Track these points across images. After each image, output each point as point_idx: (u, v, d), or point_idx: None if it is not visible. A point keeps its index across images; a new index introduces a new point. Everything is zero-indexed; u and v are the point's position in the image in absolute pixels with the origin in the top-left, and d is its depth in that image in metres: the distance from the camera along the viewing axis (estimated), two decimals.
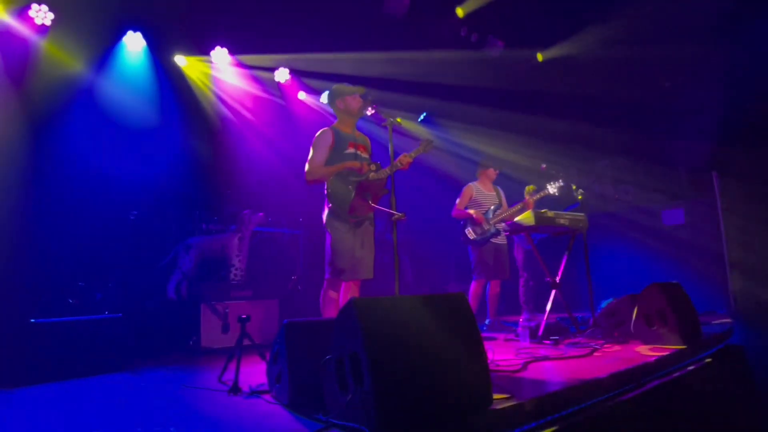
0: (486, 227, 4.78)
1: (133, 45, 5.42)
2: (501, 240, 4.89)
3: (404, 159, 3.23)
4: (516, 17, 6.11)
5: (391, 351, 1.75)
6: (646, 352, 3.20)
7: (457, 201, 4.93)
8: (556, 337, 3.81)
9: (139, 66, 5.46)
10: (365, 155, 3.41)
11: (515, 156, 7.32)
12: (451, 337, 1.92)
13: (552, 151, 7.60)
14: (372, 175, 3.21)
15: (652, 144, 7.31)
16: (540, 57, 6.79)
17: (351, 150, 3.36)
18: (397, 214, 2.90)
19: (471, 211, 4.80)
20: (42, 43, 4.85)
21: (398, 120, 3.31)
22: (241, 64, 6.09)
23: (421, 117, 8.05)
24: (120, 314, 3.64)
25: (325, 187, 3.29)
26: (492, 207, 4.92)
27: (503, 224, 4.42)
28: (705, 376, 3.08)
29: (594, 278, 6.29)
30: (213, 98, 5.99)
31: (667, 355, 3.02)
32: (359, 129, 3.60)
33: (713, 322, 4.70)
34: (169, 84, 5.62)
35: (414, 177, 7.58)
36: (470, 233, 4.80)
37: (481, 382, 1.92)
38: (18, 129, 4.60)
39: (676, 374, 2.92)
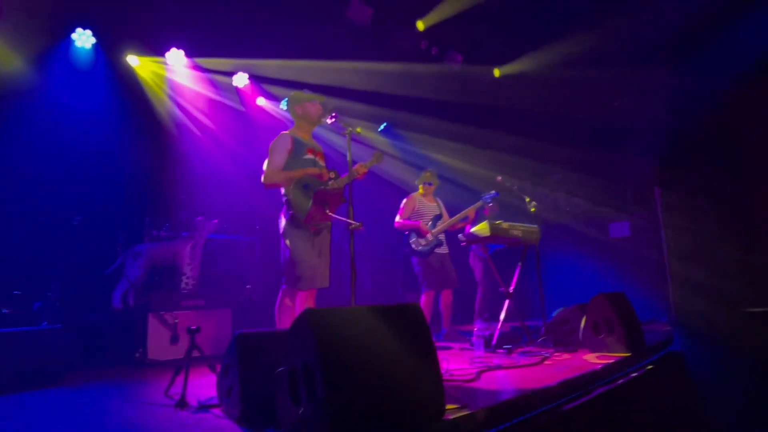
0: (431, 238, 4.82)
1: (82, 42, 5.19)
2: (444, 250, 4.95)
3: (360, 169, 3.23)
4: (475, 33, 6.28)
5: (345, 362, 1.73)
6: (594, 359, 3.32)
7: (400, 212, 4.96)
8: (509, 346, 3.89)
9: (88, 64, 5.23)
10: (322, 163, 3.39)
11: (473, 167, 7.48)
12: (405, 348, 1.92)
13: (508, 163, 7.83)
14: (331, 183, 3.18)
15: (602, 160, 7.65)
16: (497, 72, 6.99)
17: (310, 156, 3.33)
18: (354, 224, 2.89)
19: (419, 223, 4.84)
20: None
21: (358, 130, 3.31)
22: (197, 67, 5.94)
23: (381, 127, 8.11)
24: (60, 325, 3.43)
25: (283, 194, 3.23)
26: (434, 218, 4.98)
27: (460, 235, 4.49)
28: (647, 382, 3.23)
29: (546, 288, 6.48)
30: (167, 101, 5.80)
31: (612, 363, 3.14)
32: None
33: (656, 330, 4.94)
34: (120, 84, 5.40)
35: (375, 186, 7.64)
36: (415, 244, 4.84)
37: (434, 393, 1.93)
38: None
39: (621, 381, 3.05)
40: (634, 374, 3.18)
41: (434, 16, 5.69)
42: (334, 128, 3.35)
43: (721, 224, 6.06)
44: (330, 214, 3.09)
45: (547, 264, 7.12)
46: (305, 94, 3.46)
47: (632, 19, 5.88)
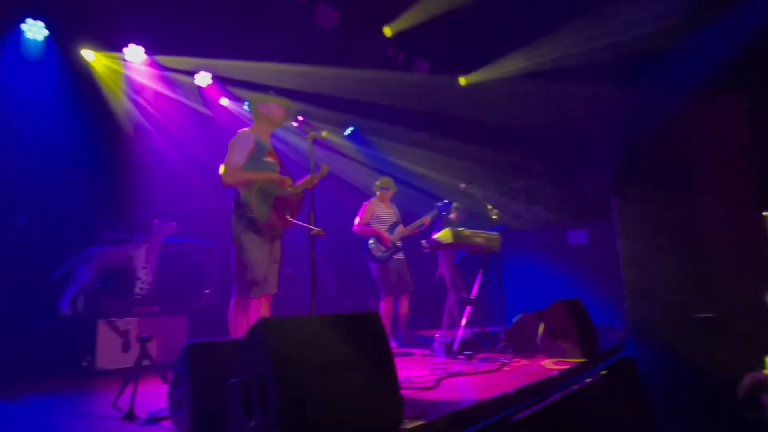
0: (390, 245, 4.87)
1: (33, 34, 4.93)
2: (401, 256, 5.01)
3: (314, 180, 3.19)
4: (442, 41, 6.34)
5: (299, 373, 1.69)
6: (550, 365, 3.38)
7: (359, 217, 4.96)
8: (470, 352, 3.92)
9: (39, 57, 4.97)
10: (279, 167, 3.33)
11: (438, 174, 7.55)
12: (362, 357, 1.90)
13: (472, 171, 7.94)
14: (291, 189, 3.12)
15: (562, 169, 7.88)
16: (463, 81, 7.08)
17: (270, 160, 3.26)
18: (315, 230, 2.85)
19: (381, 231, 4.86)
20: None
21: (324, 134, 3.26)
22: (157, 65, 5.74)
23: (348, 131, 8.08)
24: (2, 333, 3.23)
25: (240, 197, 3.12)
26: (392, 224, 5.02)
27: (423, 241, 4.51)
28: (601, 387, 3.31)
29: (507, 294, 6.60)
30: (124, 98, 5.58)
31: (568, 369, 3.21)
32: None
33: (610, 335, 5.09)
34: (74, 79, 5.15)
35: (340, 190, 7.60)
36: (375, 250, 4.87)
37: (391, 403, 1.91)
38: None
39: (576, 386, 3.11)
40: (589, 379, 3.26)
41: (402, 23, 5.71)
42: (299, 131, 3.29)
43: (671, 234, 6.32)
44: (291, 219, 3.03)
45: (509, 270, 7.26)
46: (271, 95, 3.40)
47: (592, 34, 6.09)
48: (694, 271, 6.00)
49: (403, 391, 2.67)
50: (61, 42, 5.10)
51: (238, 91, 6.33)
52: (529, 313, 4.37)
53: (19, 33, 4.88)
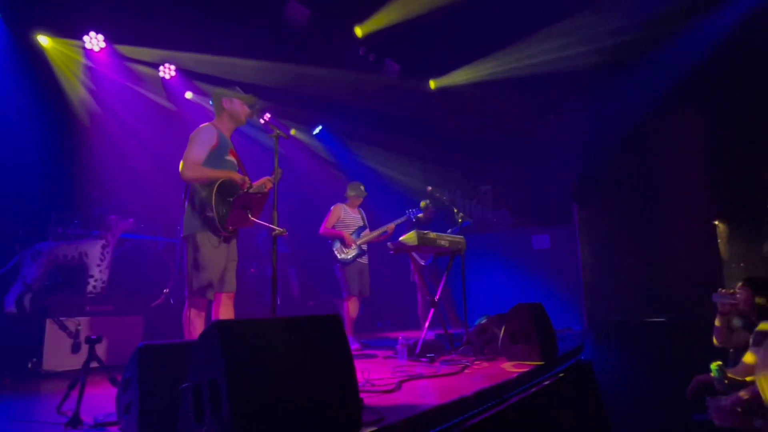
0: (354, 248, 4.93)
1: None
2: (365, 260, 5.09)
3: (268, 183, 3.13)
4: (412, 43, 6.36)
5: (255, 378, 1.63)
6: (510, 368, 3.42)
7: (325, 220, 5.04)
8: (432, 355, 3.93)
9: None
10: (240, 166, 3.24)
11: (404, 177, 7.56)
12: (320, 362, 1.86)
13: (440, 174, 8.01)
14: (253, 188, 3.05)
15: (527, 175, 8.03)
16: (432, 84, 7.13)
17: (231, 158, 3.17)
18: (278, 230, 2.79)
19: (345, 233, 4.93)
20: None
21: (292, 132, 3.20)
22: (119, 55, 5.53)
23: (317, 130, 8.01)
24: None
25: (196, 194, 3.01)
26: (357, 228, 5.09)
27: (389, 243, 4.50)
28: (558, 389, 3.37)
29: (471, 297, 6.65)
30: (80, 88, 5.34)
31: (526, 371, 3.25)
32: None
33: (568, 338, 5.21)
34: (26, 65, 4.90)
35: (303, 189, 7.51)
36: (339, 252, 4.92)
37: (349, 407, 1.87)
38: None
39: (534, 389, 3.16)
40: (547, 382, 3.31)
41: (373, 24, 5.70)
42: (264, 129, 3.22)
43: (629, 240, 6.54)
44: (253, 219, 2.95)
45: (474, 273, 7.34)
46: (236, 91, 3.30)
47: (558, 44, 6.23)
48: (649, 277, 6.22)
49: (363, 395, 2.65)
50: (13, 25, 4.84)
51: (204, 86, 6.16)
52: (492, 315, 4.42)
53: None
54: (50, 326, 3.64)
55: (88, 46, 5.29)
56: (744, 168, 6.06)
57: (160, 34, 5.38)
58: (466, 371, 3.42)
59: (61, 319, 3.70)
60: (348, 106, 6.97)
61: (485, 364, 3.67)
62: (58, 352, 3.62)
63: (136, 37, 5.46)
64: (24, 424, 2.36)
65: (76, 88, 5.33)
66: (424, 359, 3.89)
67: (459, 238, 4.50)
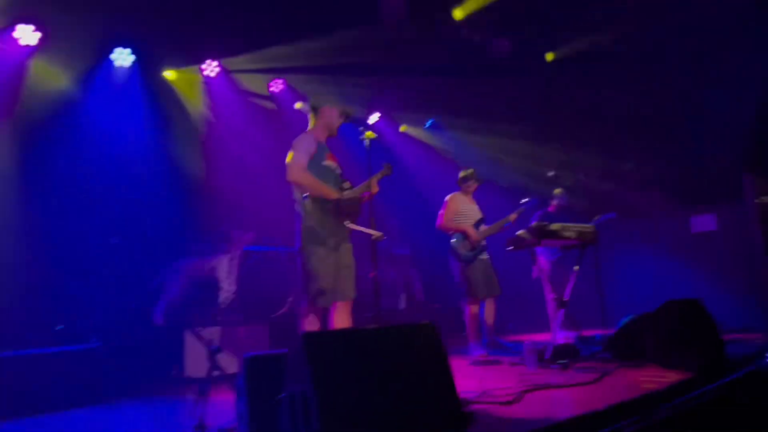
0: (475, 243, 4.65)
1: (122, 61, 5.52)
2: (486, 256, 4.74)
3: (374, 186, 3.17)
4: (522, 14, 6.04)
5: (344, 391, 1.69)
6: (659, 377, 3.05)
7: (442, 212, 4.77)
8: (565, 361, 3.68)
9: (127, 82, 5.57)
10: (339, 170, 3.38)
11: (526, 163, 7.20)
12: (416, 372, 1.85)
13: (571, 156, 7.46)
14: (347, 194, 3.16)
15: (679, 145, 7.10)
16: (550, 56, 6.68)
17: (329, 163, 3.33)
18: (376, 234, 2.85)
19: (468, 228, 4.67)
20: (28, 63, 4.99)
21: (403, 128, 3.28)
22: (232, 77, 6.16)
23: (428, 123, 8.02)
24: (99, 344, 3.66)
25: (300, 205, 3.22)
26: (477, 221, 4.80)
27: (507, 240, 4.32)
28: (725, 404, 2.91)
29: (616, 293, 6.09)
30: (203, 110, 6.07)
31: (680, 382, 2.87)
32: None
33: (746, 341, 4.48)
34: (158, 100, 5.71)
35: (419, 186, 7.57)
36: (460, 248, 4.67)
37: (448, 421, 1.84)
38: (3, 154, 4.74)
39: (691, 404, 2.77)
40: (708, 396, 2.88)
41: (472, 3, 5.53)
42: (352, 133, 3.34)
43: None
44: (350, 225, 3.06)
45: (614, 267, 6.72)
46: (331, 101, 3.48)
47: None
48: None
49: (477, 407, 2.60)
50: (145, 66, 5.66)
51: (307, 88, 6.56)
52: (639, 315, 3.99)
53: (110, 62, 5.50)
54: (188, 336, 4.19)
55: (205, 73, 5.98)
56: None
57: (264, 50, 5.85)
58: (605, 381, 3.14)
59: (197, 329, 4.23)
60: (456, 94, 6.86)
61: (629, 372, 3.33)
62: (197, 359, 4.15)
63: (246, 59, 6.01)
64: (163, 426, 2.74)
65: (199, 111, 6.07)
66: (555, 366, 3.66)
67: (588, 227, 4.14)
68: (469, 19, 5.69)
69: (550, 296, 5.89)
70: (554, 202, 5.81)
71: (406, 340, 1.92)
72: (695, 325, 3.27)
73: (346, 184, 3.25)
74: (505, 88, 6.74)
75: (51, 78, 5.09)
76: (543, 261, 5.94)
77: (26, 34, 4.92)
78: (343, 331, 1.86)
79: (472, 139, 7.73)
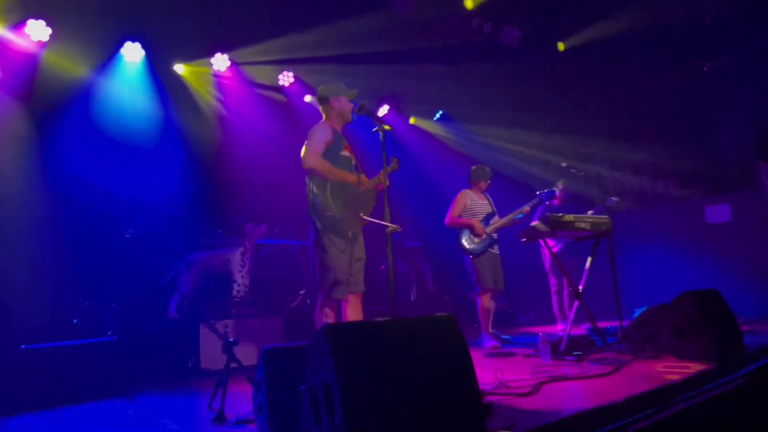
0: (484, 237, 4.72)
1: (132, 55, 5.53)
2: (496, 249, 4.84)
3: (385, 182, 3.14)
4: (532, 4, 5.97)
5: (367, 382, 1.69)
6: (676, 368, 3.03)
7: (451, 209, 4.88)
8: (580, 353, 3.66)
9: (138, 77, 5.58)
10: (354, 161, 3.35)
11: (538, 153, 7.14)
12: (436, 364, 1.85)
13: (582, 143, 7.40)
14: (363, 186, 3.14)
15: (691, 134, 7.02)
16: (561, 46, 6.60)
17: (346, 153, 3.29)
18: (391, 226, 2.84)
19: (474, 222, 4.73)
20: (40, 58, 5.01)
21: (412, 120, 3.25)
22: (243, 70, 6.15)
23: (437, 115, 7.98)
24: (115, 337, 3.69)
25: (316, 197, 3.17)
26: (486, 215, 4.86)
27: (521, 232, 4.30)
28: (744, 395, 2.89)
29: (629, 284, 6.04)
30: (214, 104, 6.07)
31: (698, 373, 2.85)
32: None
33: (764, 331, 4.44)
34: (169, 93, 5.72)
35: (430, 178, 7.54)
36: (468, 242, 4.74)
37: (471, 412, 1.83)
38: (17, 147, 4.77)
39: (709, 395, 2.75)
40: (728, 386, 2.86)
41: None
42: (365, 123, 3.30)
43: None
44: (366, 218, 3.05)
45: (628, 257, 6.66)
46: (340, 88, 3.42)
47: None
48: None
49: (495, 398, 2.60)
50: (155, 60, 5.67)
51: (315, 78, 6.53)
52: (655, 306, 3.96)
53: (120, 57, 5.51)
54: (203, 329, 4.22)
55: (215, 67, 5.98)
56: None
57: (274, 42, 5.83)
58: (621, 372, 3.12)
59: (211, 322, 4.26)
60: (468, 84, 6.81)
61: (645, 364, 3.31)
62: (212, 352, 4.18)
63: (254, 50, 6.00)
64: (181, 418, 2.77)
65: (210, 105, 6.08)
66: (569, 358, 3.65)
67: (603, 218, 4.11)
68: (479, 8, 5.63)
69: (554, 288, 5.91)
70: (557, 195, 5.77)
71: (427, 331, 1.91)
72: (714, 316, 3.23)
73: (362, 177, 3.23)
74: (515, 78, 6.68)
75: (63, 70, 5.11)
76: (545, 253, 5.95)
77: (37, 30, 4.94)
78: (365, 323, 1.86)
79: (481, 130, 7.67)
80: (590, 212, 5.31)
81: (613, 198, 4.75)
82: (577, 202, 5.38)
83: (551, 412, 2.37)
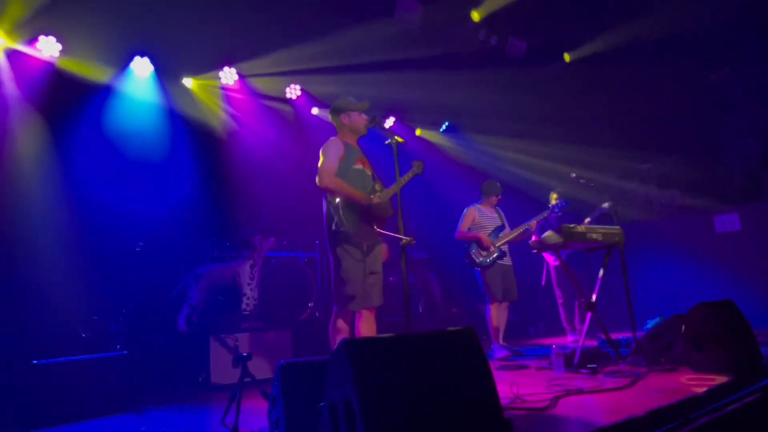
0: (492, 250, 4.81)
1: (141, 70, 5.57)
2: (508, 261, 4.95)
3: (403, 181, 3.15)
4: (539, 17, 6.00)
5: (388, 398, 1.66)
6: (696, 381, 2.99)
7: (460, 224, 5.01)
8: (594, 365, 3.62)
9: (147, 91, 5.61)
10: (369, 171, 3.35)
11: (547, 164, 7.13)
12: (456, 378, 1.82)
13: (590, 153, 7.38)
14: (376, 197, 3.14)
15: (699, 143, 7.01)
16: (567, 58, 6.63)
17: (359, 166, 3.30)
18: (405, 239, 2.82)
19: (481, 235, 4.84)
20: (51, 74, 5.06)
21: (418, 132, 3.26)
22: (249, 84, 6.18)
23: (443, 127, 7.99)
24: (125, 352, 3.67)
25: (330, 211, 3.19)
26: (495, 228, 4.97)
27: (531, 242, 4.29)
28: (766, 408, 2.84)
29: (638, 294, 5.99)
30: (223, 117, 6.10)
31: (718, 385, 2.81)
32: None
33: None
34: (177, 107, 5.75)
35: (438, 189, 7.53)
36: (476, 256, 4.84)
37: (492, 427, 1.80)
38: (34, 163, 4.80)
39: (731, 407, 2.71)
40: (749, 399, 2.81)
41: (490, 4, 5.51)
42: (377, 136, 3.32)
43: None
44: (379, 230, 3.04)
45: (638, 268, 6.62)
46: (351, 103, 3.44)
47: None
48: None
49: (512, 413, 2.57)
50: (164, 74, 5.71)
51: (324, 91, 6.56)
52: (668, 317, 3.92)
53: (129, 72, 5.55)
54: (213, 343, 4.18)
55: (223, 81, 6.01)
56: None
57: (281, 56, 5.87)
58: (638, 385, 3.08)
59: (221, 335, 4.22)
60: (474, 95, 6.82)
61: (662, 377, 3.26)
62: (222, 366, 4.14)
63: (262, 65, 6.03)
64: None
65: (219, 117, 6.10)
66: (584, 371, 3.61)
67: (615, 229, 4.10)
68: (486, 20, 5.67)
69: (560, 300, 5.89)
70: (556, 206, 5.75)
71: (447, 345, 1.90)
72: (730, 327, 3.19)
73: (378, 186, 3.23)
74: (522, 88, 6.70)
75: (74, 85, 5.15)
76: (550, 265, 5.96)
77: (48, 46, 4.99)
78: (384, 338, 1.84)
79: (488, 141, 7.68)
80: (587, 220, 5.32)
81: (605, 204, 4.77)
82: (585, 210, 5.36)
83: (571, 427, 2.33)
